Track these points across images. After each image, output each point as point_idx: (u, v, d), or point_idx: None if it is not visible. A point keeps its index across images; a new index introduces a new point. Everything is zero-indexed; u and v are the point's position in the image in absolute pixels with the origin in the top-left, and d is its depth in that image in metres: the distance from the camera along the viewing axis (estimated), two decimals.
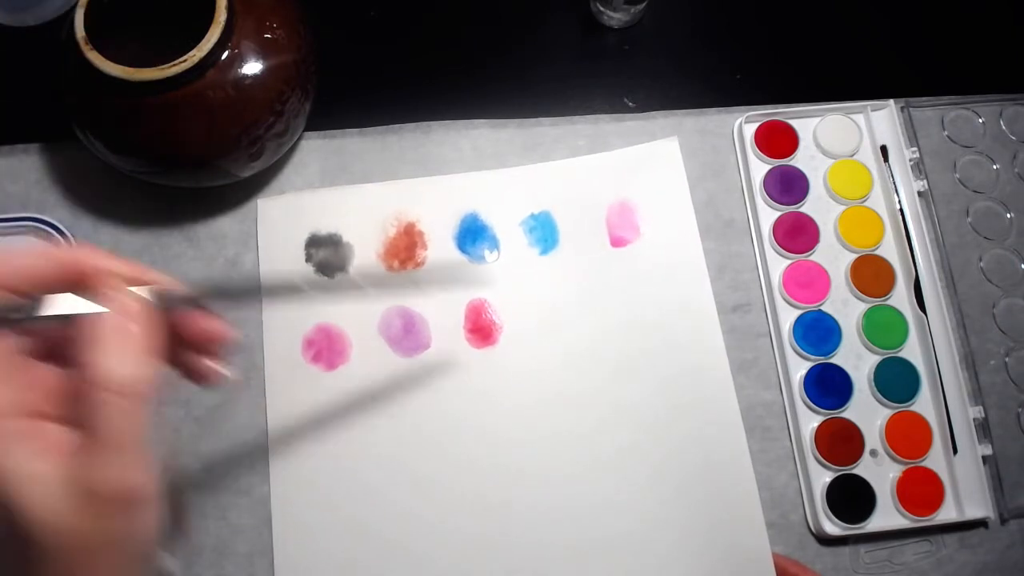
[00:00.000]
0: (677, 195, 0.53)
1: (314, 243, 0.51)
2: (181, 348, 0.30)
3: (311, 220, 0.52)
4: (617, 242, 0.52)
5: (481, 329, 0.50)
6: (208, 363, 0.31)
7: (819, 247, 0.52)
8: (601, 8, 0.57)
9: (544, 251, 0.52)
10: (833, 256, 0.52)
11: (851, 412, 0.49)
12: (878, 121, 0.55)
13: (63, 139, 0.52)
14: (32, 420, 0.25)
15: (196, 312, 0.30)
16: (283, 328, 0.50)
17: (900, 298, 0.51)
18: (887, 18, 0.60)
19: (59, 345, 0.27)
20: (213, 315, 0.30)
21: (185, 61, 0.42)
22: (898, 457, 0.48)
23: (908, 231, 0.52)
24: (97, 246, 0.51)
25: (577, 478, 0.47)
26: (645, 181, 0.53)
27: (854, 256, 0.52)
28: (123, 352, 0.25)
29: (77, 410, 0.25)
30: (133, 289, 0.27)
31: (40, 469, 0.24)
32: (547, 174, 0.53)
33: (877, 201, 0.53)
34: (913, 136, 0.55)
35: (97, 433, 0.24)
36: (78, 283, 0.27)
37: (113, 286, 0.26)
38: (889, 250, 0.52)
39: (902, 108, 0.55)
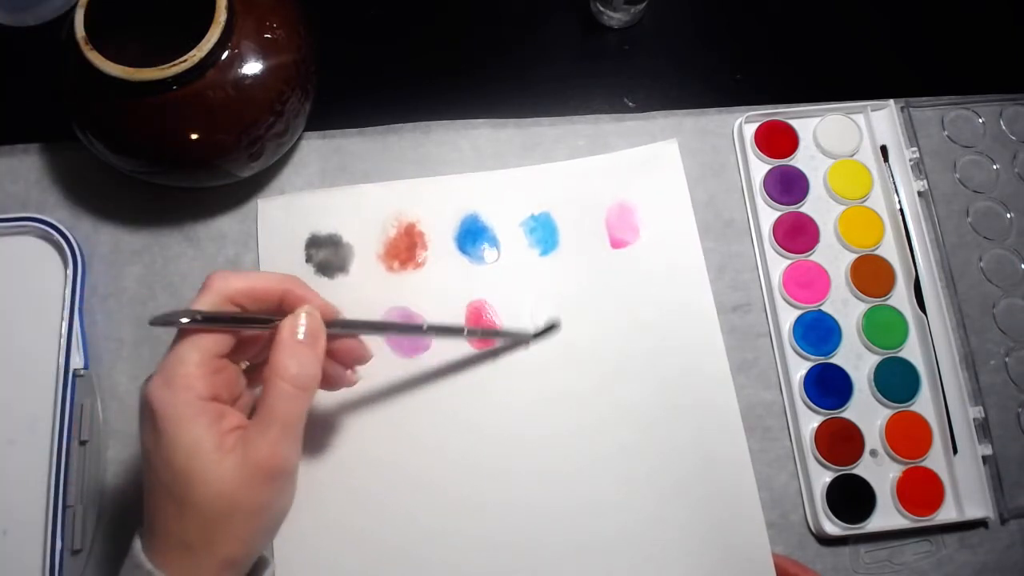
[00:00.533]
0: (676, 197, 0.53)
1: (314, 243, 0.51)
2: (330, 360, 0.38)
3: (311, 220, 0.52)
4: (617, 244, 0.52)
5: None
6: (347, 371, 0.41)
7: (819, 247, 0.52)
8: (601, 8, 0.57)
9: (544, 252, 0.52)
10: (833, 256, 0.52)
11: (851, 412, 0.49)
12: (878, 121, 0.55)
13: (63, 139, 0.52)
14: (218, 404, 0.33)
15: (350, 338, 0.40)
16: None
17: (900, 298, 0.51)
18: (887, 18, 0.60)
19: (244, 345, 0.36)
20: (359, 341, 0.41)
21: (185, 61, 0.42)
22: (898, 457, 0.48)
23: (908, 231, 0.52)
24: (99, 246, 0.51)
25: (577, 478, 0.47)
26: (645, 183, 0.53)
27: (854, 256, 0.52)
28: (302, 357, 0.34)
29: (260, 396, 0.33)
30: (316, 314, 0.35)
31: (216, 438, 0.32)
32: (547, 175, 0.53)
33: (877, 201, 0.53)
34: (913, 136, 0.55)
35: (270, 412, 0.33)
36: (285, 305, 0.36)
37: (307, 310, 0.35)
38: (889, 250, 0.52)
39: (902, 108, 0.55)
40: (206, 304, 0.34)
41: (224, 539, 0.32)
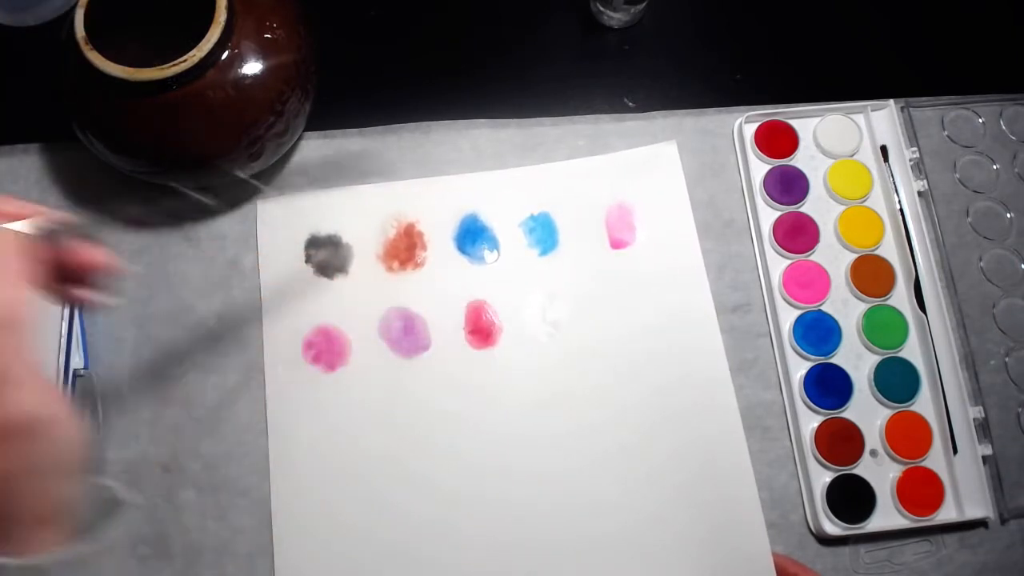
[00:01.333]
0: (675, 198, 0.53)
1: (314, 244, 0.51)
2: (65, 278, 0.30)
3: (311, 221, 0.52)
4: (616, 244, 0.52)
5: (481, 330, 0.50)
6: (89, 292, 0.31)
7: (819, 247, 0.52)
8: (601, 8, 0.57)
9: (544, 252, 0.52)
10: (833, 256, 0.52)
11: (851, 412, 0.49)
12: (878, 121, 0.55)
13: (63, 139, 0.52)
14: None
15: (80, 244, 0.30)
16: (283, 329, 0.50)
17: (900, 298, 0.51)
18: (887, 18, 0.60)
19: None
20: (96, 246, 0.30)
21: (185, 61, 0.42)
22: (898, 457, 0.48)
23: (908, 231, 0.52)
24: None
25: (576, 479, 0.47)
26: (644, 184, 0.53)
27: (854, 256, 0.52)
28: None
29: None
30: (15, 225, 0.28)
31: None
32: (547, 175, 0.53)
33: (877, 201, 0.53)
34: (913, 136, 0.55)
35: None
36: None
37: None
38: (889, 250, 0.52)
39: (902, 108, 0.55)
40: None
41: None
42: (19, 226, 0.28)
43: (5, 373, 0.25)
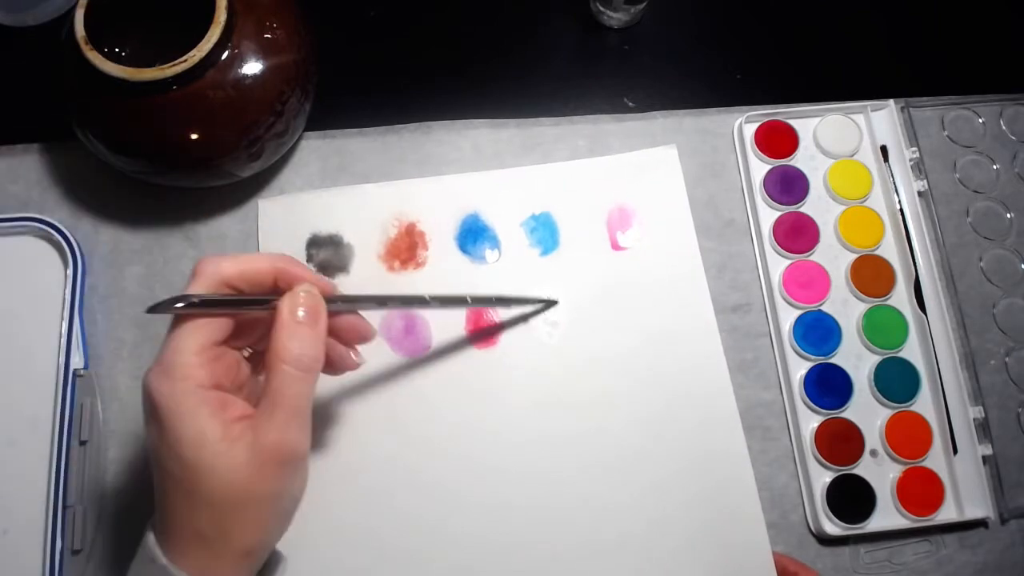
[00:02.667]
0: (675, 201, 0.53)
1: (315, 243, 0.51)
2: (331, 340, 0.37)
3: (312, 221, 0.52)
4: (617, 245, 0.52)
5: (482, 330, 0.50)
6: (349, 352, 0.40)
7: (819, 247, 0.52)
8: (601, 8, 0.57)
9: (545, 252, 0.52)
10: (833, 256, 0.52)
11: (851, 412, 0.49)
12: (878, 121, 0.55)
13: (63, 139, 0.52)
14: (221, 392, 0.32)
15: (350, 314, 0.38)
16: None
17: (900, 298, 0.51)
18: (887, 18, 0.60)
19: (244, 330, 0.35)
20: (361, 317, 0.39)
21: (185, 61, 0.42)
22: (898, 457, 0.48)
23: (908, 231, 0.52)
24: (99, 246, 0.51)
25: (576, 479, 0.47)
26: (644, 187, 0.53)
27: (854, 256, 0.52)
28: (303, 337, 0.33)
29: (264, 382, 0.32)
30: (314, 291, 0.34)
31: (221, 427, 0.31)
32: (547, 175, 0.53)
33: (877, 201, 0.53)
34: (913, 136, 0.55)
35: (276, 397, 0.32)
36: (280, 285, 0.35)
37: (305, 288, 0.34)
38: (889, 250, 0.52)
39: (902, 108, 0.55)
40: (198, 289, 0.33)
41: (239, 529, 0.32)
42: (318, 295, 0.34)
43: (293, 407, 0.32)
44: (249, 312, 0.34)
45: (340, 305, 0.37)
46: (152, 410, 0.31)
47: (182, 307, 0.32)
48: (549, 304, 0.50)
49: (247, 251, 0.52)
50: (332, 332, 0.36)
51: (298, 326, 0.33)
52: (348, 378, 0.49)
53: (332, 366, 0.39)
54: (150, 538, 0.33)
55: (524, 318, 0.50)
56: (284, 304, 0.33)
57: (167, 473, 0.31)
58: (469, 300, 0.46)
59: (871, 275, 0.51)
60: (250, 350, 0.38)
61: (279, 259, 0.35)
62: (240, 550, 0.32)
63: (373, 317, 0.50)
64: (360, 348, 0.49)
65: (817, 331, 0.50)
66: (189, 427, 0.31)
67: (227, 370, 0.34)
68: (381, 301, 0.43)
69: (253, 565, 0.34)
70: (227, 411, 0.32)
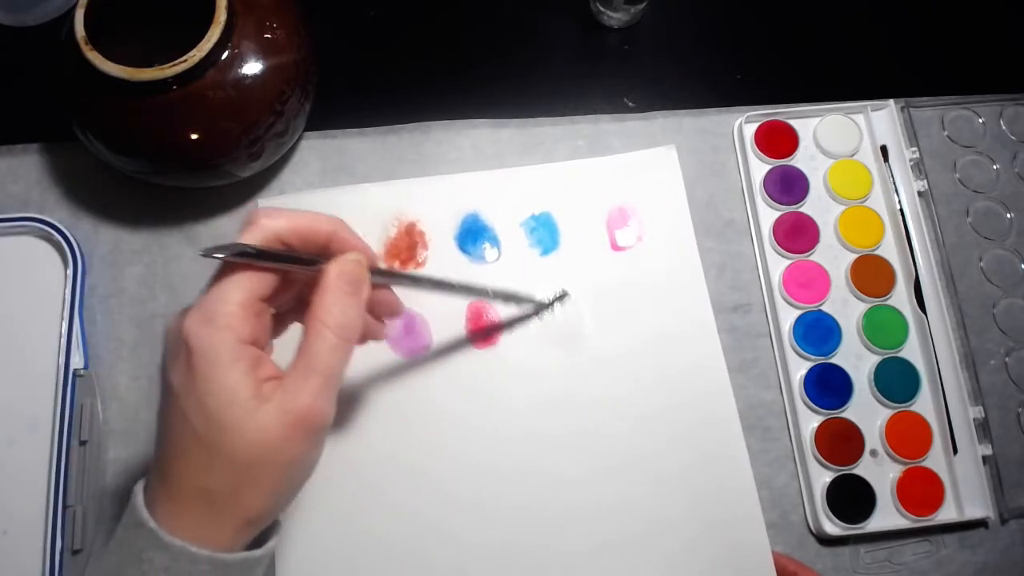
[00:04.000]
0: (675, 202, 0.53)
1: None
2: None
3: None
4: (617, 245, 0.52)
5: (482, 330, 0.50)
6: (378, 324, 0.39)
7: (819, 247, 0.52)
8: (601, 8, 0.57)
9: (545, 252, 0.52)
10: (833, 256, 0.52)
11: (851, 412, 0.49)
12: (878, 121, 0.55)
13: (63, 139, 0.52)
14: (256, 349, 0.31)
15: (384, 288, 0.38)
16: None
17: (900, 298, 0.51)
18: (887, 18, 0.60)
19: (282, 289, 0.33)
20: (392, 292, 0.39)
21: (185, 61, 0.42)
22: (898, 457, 0.48)
23: (908, 231, 0.52)
24: (99, 246, 0.51)
25: (576, 479, 0.47)
26: (643, 187, 0.53)
27: (854, 256, 0.52)
28: (348, 306, 0.32)
29: (301, 345, 0.31)
30: (363, 261, 0.34)
31: (254, 385, 0.30)
32: (547, 175, 0.53)
33: (877, 201, 0.53)
34: (913, 136, 0.55)
35: (313, 361, 0.31)
36: (332, 248, 0.34)
37: (355, 257, 0.33)
38: (889, 250, 0.52)
39: (902, 108, 0.55)
40: (253, 239, 0.32)
41: (252, 492, 0.30)
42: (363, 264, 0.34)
43: (327, 372, 0.31)
44: (297, 270, 0.33)
45: (379, 278, 0.36)
46: (187, 355, 0.30)
47: (236, 255, 0.31)
48: (563, 298, 0.50)
49: None
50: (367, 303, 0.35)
51: (344, 294, 0.32)
52: (347, 377, 0.49)
53: (360, 335, 0.37)
54: (138, 497, 0.31)
55: (529, 316, 0.50)
56: (332, 269, 0.32)
57: (187, 425, 0.30)
58: (491, 293, 0.46)
59: (871, 275, 0.51)
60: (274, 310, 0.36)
61: (334, 221, 0.34)
62: (246, 516, 0.31)
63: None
64: (359, 347, 0.49)
65: (817, 331, 0.50)
66: (224, 379, 0.29)
67: (264, 327, 0.33)
68: (416, 281, 0.42)
69: (251, 534, 0.32)
70: (259, 369, 0.31)
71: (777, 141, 0.54)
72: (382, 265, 0.37)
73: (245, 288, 0.31)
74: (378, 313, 0.39)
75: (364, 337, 0.38)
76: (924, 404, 0.49)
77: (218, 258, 0.31)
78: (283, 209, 0.33)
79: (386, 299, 0.39)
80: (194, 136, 0.45)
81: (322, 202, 0.52)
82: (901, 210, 0.53)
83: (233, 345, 0.30)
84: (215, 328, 0.30)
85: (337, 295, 0.32)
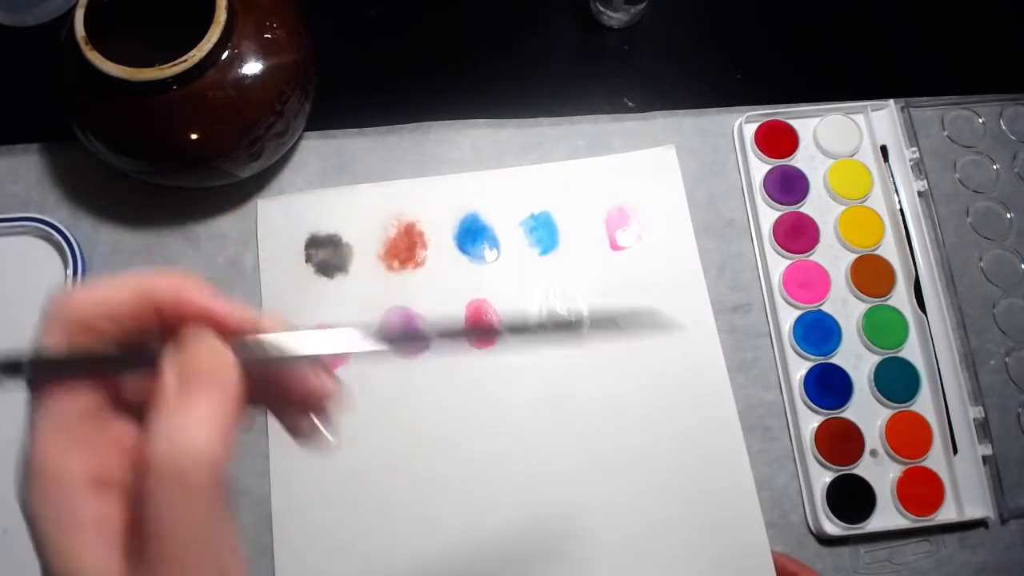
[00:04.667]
0: (674, 201, 0.53)
1: (314, 243, 0.51)
2: (279, 399, 0.24)
3: (311, 221, 0.52)
4: (616, 245, 0.52)
5: (481, 330, 0.50)
6: (309, 421, 0.25)
7: (819, 247, 0.52)
8: (601, 8, 0.57)
9: (544, 251, 0.52)
10: (833, 256, 0.52)
11: (851, 412, 0.49)
12: (878, 121, 0.55)
13: (63, 139, 0.52)
14: (100, 494, 0.21)
15: (312, 367, 0.24)
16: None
17: (900, 298, 0.51)
18: (887, 18, 0.60)
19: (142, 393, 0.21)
20: (322, 368, 0.24)
21: (185, 61, 0.42)
22: (898, 457, 0.48)
23: (908, 231, 0.52)
24: (99, 246, 0.51)
25: (575, 478, 0.47)
26: (643, 187, 0.53)
27: (854, 256, 0.52)
28: (183, 420, 0.19)
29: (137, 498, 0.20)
30: (209, 338, 0.21)
31: (104, 561, 0.20)
32: (547, 175, 0.53)
33: (877, 201, 0.53)
34: (913, 136, 0.55)
35: (150, 537, 0.19)
36: (165, 323, 0.22)
37: (194, 335, 0.21)
38: (889, 250, 0.52)
39: (902, 108, 0.55)
40: (52, 340, 0.21)
41: None
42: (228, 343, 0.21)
43: (177, 553, 0.19)
44: (127, 372, 0.22)
45: (274, 355, 0.22)
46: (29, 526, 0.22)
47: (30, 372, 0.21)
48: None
49: (247, 251, 0.52)
50: (281, 392, 0.24)
51: (183, 402, 0.20)
52: (347, 378, 0.49)
53: (293, 435, 0.25)
54: None
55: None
56: (165, 364, 0.20)
57: None
58: (469, 337, 0.30)
59: (871, 275, 0.51)
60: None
61: (161, 281, 0.22)
62: None
63: (371, 317, 0.50)
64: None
65: (817, 331, 0.50)
66: (65, 565, 0.21)
67: (115, 443, 0.21)
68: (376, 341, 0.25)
69: None
70: (109, 527, 0.21)
71: (777, 141, 0.54)
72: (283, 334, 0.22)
73: (58, 414, 0.22)
74: (307, 403, 0.24)
75: (296, 435, 0.25)
76: (924, 404, 0.49)
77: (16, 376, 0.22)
78: (87, 286, 0.22)
79: (309, 384, 0.24)
80: (194, 136, 0.45)
81: (321, 202, 0.52)
82: (901, 210, 0.53)
83: (65, 510, 0.21)
84: (40, 488, 0.21)
85: (173, 409, 0.20)
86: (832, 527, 0.47)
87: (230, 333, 0.21)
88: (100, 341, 0.21)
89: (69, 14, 0.44)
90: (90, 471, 0.21)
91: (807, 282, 0.51)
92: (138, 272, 0.22)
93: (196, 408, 0.20)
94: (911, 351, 0.50)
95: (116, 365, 0.22)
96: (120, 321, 0.21)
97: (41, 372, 0.21)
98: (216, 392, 0.20)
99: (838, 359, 0.50)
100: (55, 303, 0.21)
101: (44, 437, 0.21)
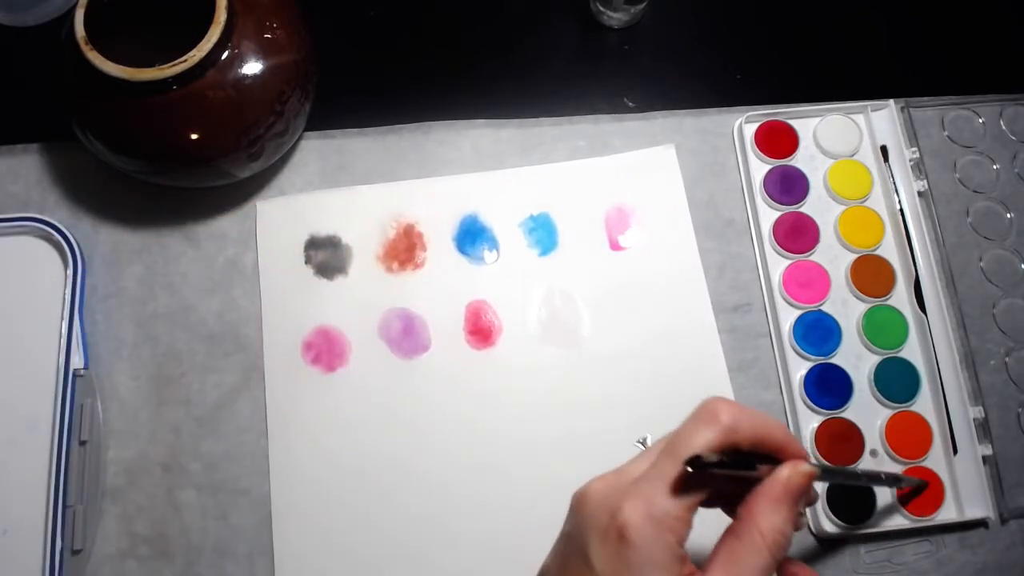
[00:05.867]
0: (674, 201, 0.53)
1: (313, 245, 0.51)
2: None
3: (310, 222, 0.52)
4: (616, 245, 0.52)
5: (481, 330, 0.50)
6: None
7: (819, 247, 0.52)
8: (601, 8, 0.57)
9: (544, 252, 0.52)
10: (833, 256, 0.52)
11: (851, 412, 0.49)
12: (878, 121, 0.55)
13: (63, 139, 0.52)
14: (684, 550, 0.29)
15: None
16: (282, 330, 0.50)
17: (900, 298, 0.51)
18: (887, 18, 0.60)
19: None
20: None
21: (185, 61, 0.42)
22: (898, 457, 0.48)
23: (908, 231, 0.52)
24: (99, 246, 0.51)
25: (575, 479, 0.47)
26: (642, 186, 0.53)
27: (854, 256, 0.52)
28: (785, 516, 0.30)
29: (725, 547, 0.30)
30: (809, 474, 0.31)
31: None
32: (546, 176, 0.53)
33: (877, 201, 0.53)
34: (913, 136, 0.55)
35: (737, 567, 0.29)
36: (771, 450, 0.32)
37: (805, 469, 0.31)
38: (889, 250, 0.52)
39: (902, 108, 0.55)
40: (709, 440, 0.30)
41: None
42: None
43: None
44: (743, 474, 0.31)
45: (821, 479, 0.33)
46: (621, 544, 0.29)
47: (707, 464, 0.29)
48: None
49: (247, 251, 0.52)
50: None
51: (786, 505, 0.30)
52: (347, 379, 0.49)
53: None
54: None
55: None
56: (783, 475, 0.31)
57: None
58: (901, 482, 0.45)
59: (871, 275, 0.51)
60: None
61: (782, 429, 0.33)
62: None
63: (371, 320, 0.50)
64: (359, 348, 0.50)
65: (817, 331, 0.50)
66: None
67: (691, 524, 0.30)
68: (854, 476, 0.42)
69: None
70: (684, 568, 0.29)
71: (777, 141, 0.54)
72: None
73: (697, 494, 0.30)
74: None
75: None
76: (924, 404, 0.49)
77: (698, 468, 0.29)
78: (746, 410, 0.32)
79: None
80: (194, 136, 0.45)
81: (320, 203, 0.52)
82: (901, 210, 0.53)
83: (673, 549, 0.29)
84: (661, 529, 0.29)
85: (779, 505, 0.30)
86: (832, 527, 0.47)
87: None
88: (729, 450, 0.30)
89: (69, 14, 0.44)
90: (686, 534, 0.29)
91: (807, 282, 0.51)
92: (755, 411, 0.33)
93: (790, 510, 0.30)
94: (911, 351, 0.50)
95: (744, 468, 0.31)
96: (755, 443, 0.31)
97: (717, 466, 0.29)
98: (799, 503, 0.31)
99: (838, 359, 0.50)
100: (716, 416, 0.31)
101: (679, 500, 0.29)
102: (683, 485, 0.29)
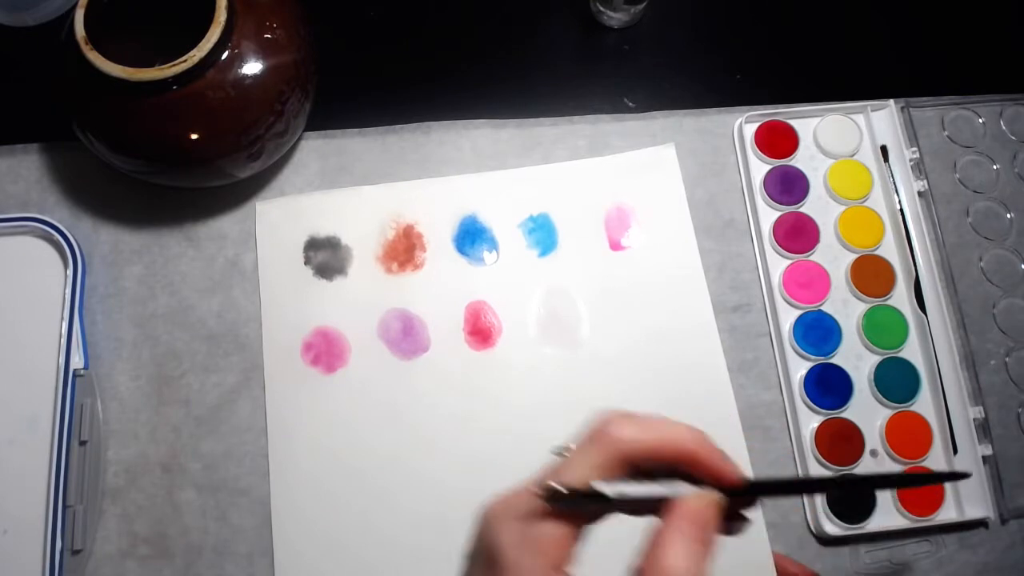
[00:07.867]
0: (674, 201, 0.53)
1: (313, 245, 0.51)
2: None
3: (310, 222, 0.52)
4: (615, 245, 0.52)
5: (480, 331, 0.50)
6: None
7: (819, 247, 0.52)
8: (601, 8, 0.57)
9: (543, 253, 0.52)
10: (833, 256, 0.52)
11: (851, 412, 0.49)
12: (878, 121, 0.55)
13: (63, 139, 0.52)
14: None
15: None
16: (282, 330, 0.50)
17: (900, 298, 0.51)
18: (887, 18, 0.60)
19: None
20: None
21: (185, 61, 0.42)
22: (898, 457, 0.48)
23: (908, 231, 0.52)
24: (99, 246, 0.51)
25: None
26: (642, 186, 0.53)
27: (854, 256, 0.52)
28: (695, 553, 0.26)
29: None
30: (717, 503, 0.27)
31: None
32: (546, 176, 0.53)
33: (877, 201, 0.53)
34: (913, 136, 0.55)
35: None
36: (681, 464, 0.28)
37: (710, 501, 0.27)
38: (889, 250, 0.52)
39: (902, 108, 0.55)
40: (595, 461, 0.28)
41: None
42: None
43: None
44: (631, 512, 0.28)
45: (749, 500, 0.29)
46: (492, 566, 0.28)
47: (576, 498, 0.27)
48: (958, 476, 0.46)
49: (247, 251, 0.52)
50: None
51: (695, 539, 0.26)
52: (346, 380, 0.49)
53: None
54: None
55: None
56: (683, 507, 0.27)
57: None
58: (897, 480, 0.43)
59: (871, 275, 0.51)
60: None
61: (697, 438, 0.29)
62: None
63: (371, 321, 0.50)
64: (358, 349, 0.50)
65: (817, 331, 0.50)
66: None
67: (574, 548, 0.28)
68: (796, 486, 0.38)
69: None
70: None
71: (777, 141, 0.54)
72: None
73: (578, 519, 0.27)
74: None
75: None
76: (924, 404, 0.49)
77: (553, 502, 0.27)
78: (640, 420, 0.29)
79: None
80: (194, 136, 0.45)
81: (320, 204, 0.52)
82: (901, 210, 0.53)
83: (547, 574, 0.27)
84: (533, 553, 0.27)
85: (689, 542, 0.26)
86: (832, 527, 0.47)
87: (726, 485, 0.28)
88: (626, 474, 0.28)
89: (69, 14, 0.44)
90: (563, 558, 0.27)
91: (807, 282, 0.51)
92: (660, 419, 0.30)
93: (700, 545, 0.26)
94: (911, 351, 0.50)
95: (634, 509, 0.28)
96: (651, 460, 0.28)
97: (567, 499, 0.26)
98: (712, 539, 0.26)
99: (838, 359, 0.50)
100: (605, 431, 0.29)
101: (556, 526, 0.27)
102: (556, 511, 0.27)
